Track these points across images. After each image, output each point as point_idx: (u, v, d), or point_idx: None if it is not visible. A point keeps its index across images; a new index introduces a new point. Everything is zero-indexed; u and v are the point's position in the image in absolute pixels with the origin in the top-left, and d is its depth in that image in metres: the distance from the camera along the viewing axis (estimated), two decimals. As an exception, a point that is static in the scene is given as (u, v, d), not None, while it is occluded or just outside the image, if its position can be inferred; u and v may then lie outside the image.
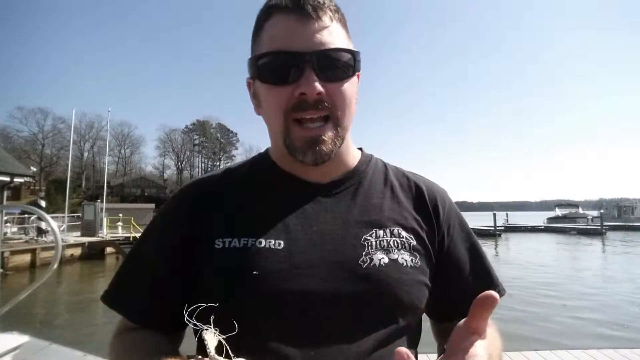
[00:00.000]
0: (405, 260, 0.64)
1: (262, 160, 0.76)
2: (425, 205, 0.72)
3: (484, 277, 0.73)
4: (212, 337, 0.47)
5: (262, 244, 0.62)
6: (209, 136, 67.04)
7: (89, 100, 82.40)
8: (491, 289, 0.72)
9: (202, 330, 0.48)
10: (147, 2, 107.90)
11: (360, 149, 0.80)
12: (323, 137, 0.63)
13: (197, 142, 67.37)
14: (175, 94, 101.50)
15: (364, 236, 0.65)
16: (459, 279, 0.71)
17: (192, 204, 0.69)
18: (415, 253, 0.66)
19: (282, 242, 0.63)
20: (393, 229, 0.67)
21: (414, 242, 0.67)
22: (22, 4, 76.76)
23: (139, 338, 0.65)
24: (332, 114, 0.63)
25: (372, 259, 0.62)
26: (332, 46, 0.61)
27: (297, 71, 0.60)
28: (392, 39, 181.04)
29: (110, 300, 0.68)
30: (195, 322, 0.49)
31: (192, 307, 0.51)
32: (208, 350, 0.45)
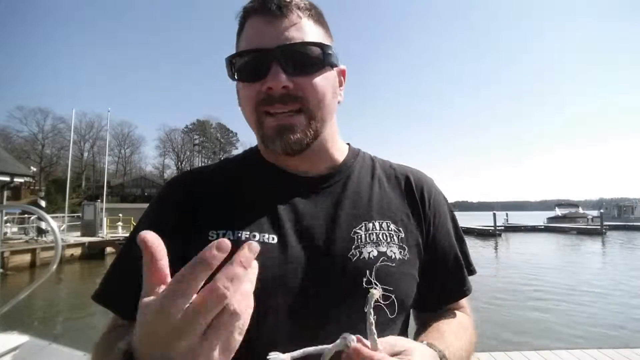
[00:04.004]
0: (394, 253, 0.65)
1: (253, 154, 0.77)
2: (412, 195, 0.73)
3: (461, 261, 0.75)
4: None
5: (257, 238, 0.63)
6: (209, 136, 67.04)
7: (89, 100, 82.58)
8: (465, 270, 0.76)
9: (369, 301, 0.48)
10: (148, 2, 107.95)
11: (348, 144, 0.81)
12: (292, 125, 0.64)
13: (197, 142, 67.37)
14: (175, 93, 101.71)
15: (354, 229, 0.66)
16: (440, 269, 0.72)
17: (185, 192, 0.70)
18: (404, 246, 0.67)
19: (275, 237, 0.64)
20: (382, 222, 0.68)
21: (402, 235, 0.68)
22: (22, 3, 76.77)
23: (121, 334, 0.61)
24: (303, 107, 0.64)
25: (362, 252, 0.63)
26: (299, 41, 0.62)
27: (265, 67, 0.62)
28: (392, 33, 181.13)
29: (100, 298, 0.66)
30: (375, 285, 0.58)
31: None
32: (370, 329, 0.48)
